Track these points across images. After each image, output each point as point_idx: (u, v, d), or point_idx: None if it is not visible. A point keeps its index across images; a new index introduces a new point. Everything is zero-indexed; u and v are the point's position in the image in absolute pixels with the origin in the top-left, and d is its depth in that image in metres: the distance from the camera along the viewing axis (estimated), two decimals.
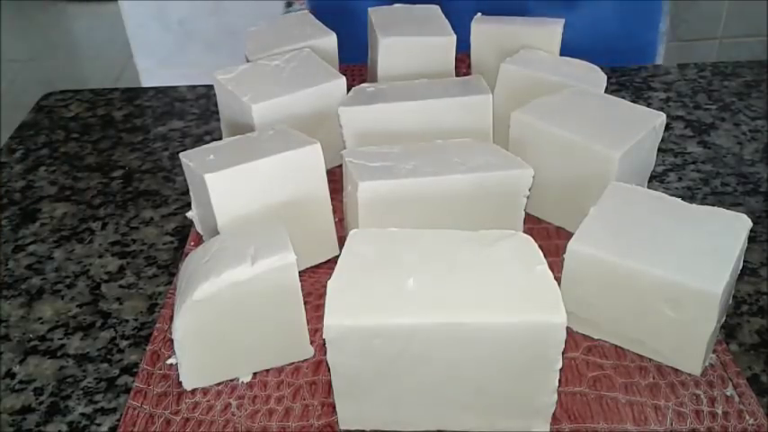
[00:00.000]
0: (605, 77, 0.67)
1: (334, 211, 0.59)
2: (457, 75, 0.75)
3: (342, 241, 0.50)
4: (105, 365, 0.55)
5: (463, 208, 0.57)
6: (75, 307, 0.60)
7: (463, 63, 0.81)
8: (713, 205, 0.53)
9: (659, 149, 0.63)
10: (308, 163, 0.56)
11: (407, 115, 0.64)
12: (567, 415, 0.48)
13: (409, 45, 0.73)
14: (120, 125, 0.84)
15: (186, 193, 0.70)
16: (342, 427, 0.48)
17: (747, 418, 0.47)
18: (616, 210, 0.52)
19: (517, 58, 0.70)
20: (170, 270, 0.63)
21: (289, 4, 1.03)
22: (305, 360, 0.52)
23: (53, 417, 0.51)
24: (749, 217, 0.51)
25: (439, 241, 0.48)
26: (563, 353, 0.44)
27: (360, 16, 0.80)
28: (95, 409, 0.51)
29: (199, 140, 0.80)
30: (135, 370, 0.54)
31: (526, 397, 0.46)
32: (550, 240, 0.61)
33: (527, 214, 0.60)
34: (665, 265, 0.48)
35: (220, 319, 0.48)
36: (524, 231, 0.56)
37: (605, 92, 0.66)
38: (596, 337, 0.53)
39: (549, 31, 0.74)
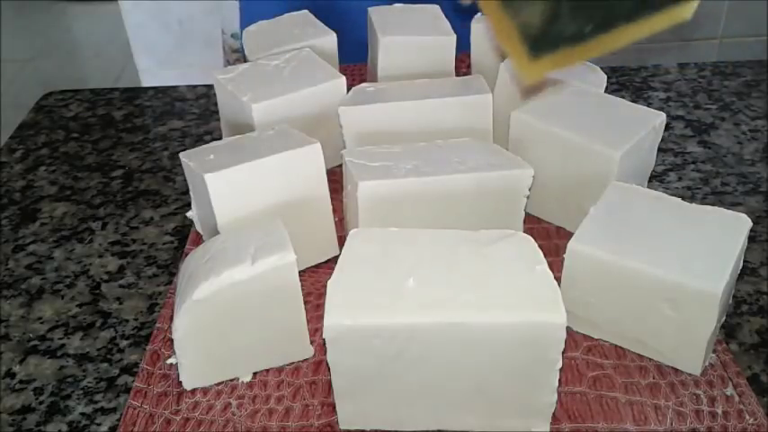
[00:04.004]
0: (605, 77, 0.67)
1: (334, 211, 0.59)
2: (457, 75, 0.75)
3: (342, 241, 0.50)
4: (105, 365, 0.55)
5: (463, 208, 0.57)
6: (75, 307, 0.60)
7: (463, 63, 0.81)
8: (713, 205, 0.53)
9: (659, 149, 0.63)
10: (308, 163, 0.56)
11: (407, 115, 0.64)
12: (567, 415, 0.48)
13: (409, 45, 0.73)
14: (120, 125, 0.84)
15: (186, 193, 0.70)
16: (342, 426, 0.48)
17: (747, 417, 0.47)
18: (616, 210, 0.52)
19: None
20: (170, 270, 0.63)
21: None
22: (305, 360, 0.52)
23: (53, 416, 0.51)
24: (749, 217, 0.51)
25: (439, 241, 0.48)
26: (563, 353, 0.44)
27: (360, 16, 0.80)
28: (95, 409, 0.51)
29: (199, 140, 0.80)
30: (135, 370, 0.54)
31: (526, 397, 0.46)
32: (550, 240, 0.61)
33: (527, 214, 0.60)
34: (665, 265, 0.48)
35: (220, 319, 0.48)
36: (524, 231, 0.56)
37: (605, 92, 0.66)
38: (596, 337, 0.53)
39: None
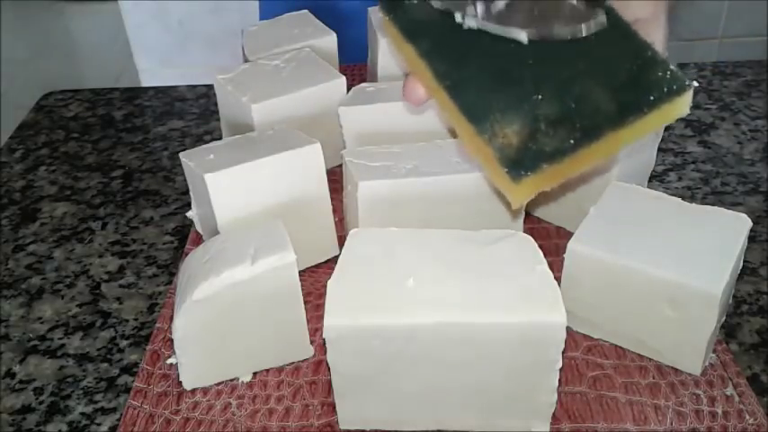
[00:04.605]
0: None
1: (334, 211, 0.59)
2: None
3: (342, 241, 0.50)
4: (105, 365, 0.55)
5: (463, 208, 0.57)
6: (75, 307, 0.60)
7: None
8: (713, 205, 0.53)
9: (659, 149, 0.63)
10: (308, 163, 0.56)
11: (407, 115, 0.64)
12: (567, 415, 0.48)
13: None
14: (120, 125, 0.84)
15: (186, 193, 0.70)
16: (342, 426, 0.48)
17: (747, 417, 0.47)
18: (616, 210, 0.52)
19: None
20: (170, 270, 0.63)
21: None
22: (305, 360, 0.52)
23: (53, 416, 0.51)
24: (749, 217, 0.51)
25: (439, 241, 0.48)
26: (563, 353, 0.44)
27: (359, 16, 0.80)
28: (95, 409, 0.51)
29: (199, 140, 0.80)
30: (135, 370, 0.54)
31: (526, 397, 0.46)
32: (550, 240, 0.61)
33: (527, 214, 0.60)
34: (665, 265, 0.48)
35: (220, 319, 0.48)
36: (524, 231, 0.56)
37: None
38: (596, 337, 0.53)
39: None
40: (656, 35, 0.44)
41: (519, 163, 0.40)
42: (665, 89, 0.41)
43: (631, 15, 0.45)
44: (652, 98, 0.41)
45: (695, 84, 0.43)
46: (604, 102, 0.41)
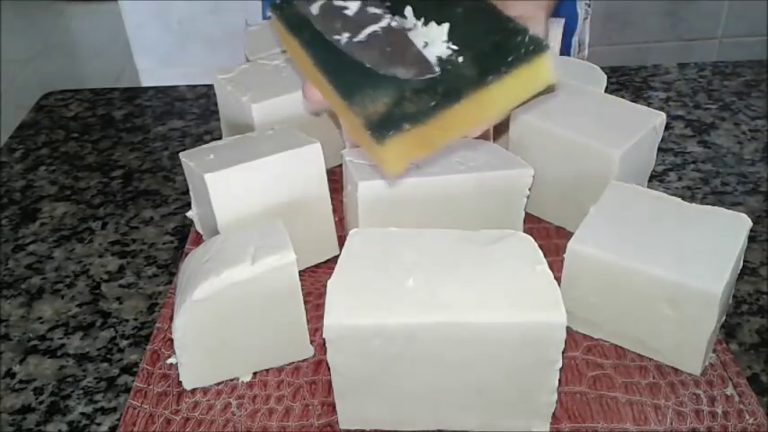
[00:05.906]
0: (605, 77, 0.67)
1: (334, 211, 0.59)
2: None
3: (342, 241, 0.50)
4: (105, 365, 0.55)
5: (463, 208, 0.57)
6: (75, 307, 0.60)
7: None
8: (713, 205, 0.53)
9: (659, 149, 0.63)
10: (308, 163, 0.56)
11: None
12: (567, 414, 0.48)
13: None
14: (119, 125, 0.84)
15: (186, 192, 0.70)
16: (342, 426, 0.48)
17: (747, 417, 0.47)
18: (616, 209, 0.52)
19: None
20: (170, 270, 0.63)
21: None
22: (305, 360, 0.52)
23: (53, 416, 0.51)
24: (749, 217, 0.51)
25: (439, 241, 0.48)
26: (563, 353, 0.44)
27: None
28: (95, 409, 0.51)
29: (199, 140, 0.80)
30: (135, 370, 0.54)
31: (526, 397, 0.46)
32: (550, 240, 0.61)
33: (527, 214, 0.60)
34: (665, 264, 0.48)
35: (220, 319, 0.48)
36: (524, 231, 0.56)
37: (605, 91, 0.66)
38: (596, 337, 0.53)
39: (549, 30, 0.73)
40: (535, 30, 0.46)
41: (382, 124, 0.42)
42: (523, 51, 0.44)
43: (513, 12, 0.47)
44: (510, 59, 0.43)
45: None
46: (466, 68, 0.44)
